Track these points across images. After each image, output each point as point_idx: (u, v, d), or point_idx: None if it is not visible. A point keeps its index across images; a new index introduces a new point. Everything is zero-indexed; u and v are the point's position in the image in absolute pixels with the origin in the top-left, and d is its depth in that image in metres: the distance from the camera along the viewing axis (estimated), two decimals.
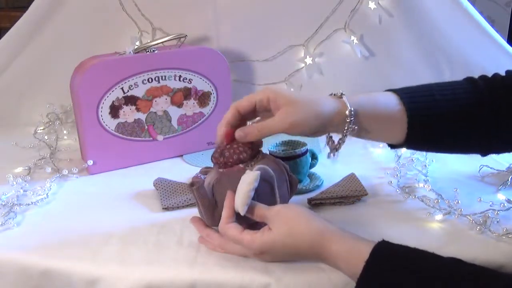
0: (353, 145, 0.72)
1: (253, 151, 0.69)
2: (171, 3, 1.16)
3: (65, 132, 1.14)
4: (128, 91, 0.92)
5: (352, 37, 1.15)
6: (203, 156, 1.00)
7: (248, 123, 0.71)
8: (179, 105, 0.98)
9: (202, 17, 1.16)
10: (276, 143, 0.86)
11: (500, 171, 0.88)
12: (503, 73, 0.73)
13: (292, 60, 1.18)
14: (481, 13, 1.15)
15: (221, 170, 0.67)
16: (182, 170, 0.93)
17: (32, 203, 0.80)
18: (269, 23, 1.17)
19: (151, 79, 0.94)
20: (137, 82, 0.93)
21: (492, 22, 1.34)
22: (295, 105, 0.65)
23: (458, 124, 0.69)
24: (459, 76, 0.75)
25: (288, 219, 0.62)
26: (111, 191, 0.86)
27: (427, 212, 0.75)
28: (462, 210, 0.73)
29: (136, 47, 0.95)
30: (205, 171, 0.72)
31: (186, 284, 0.61)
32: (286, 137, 0.80)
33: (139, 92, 0.93)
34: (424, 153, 0.93)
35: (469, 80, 0.73)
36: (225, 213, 0.64)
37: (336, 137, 0.71)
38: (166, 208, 0.78)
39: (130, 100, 0.93)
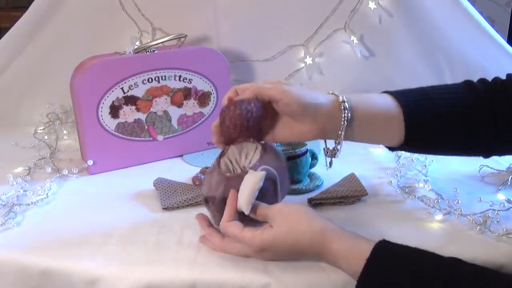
0: (353, 145, 0.71)
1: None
2: (171, 3, 1.16)
3: (65, 132, 1.14)
4: (128, 91, 0.92)
5: (352, 37, 1.15)
6: (203, 156, 1.00)
7: None
8: (179, 105, 0.98)
9: (202, 17, 1.16)
10: (276, 143, 0.86)
11: (500, 171, 0.88)
12: (503, 75, 0.73)
13: (292, 60, 1.18)
14: (481, 13, 1.15)
15: (228, 174, 0.67)
16: (182, 170, 0.93)
17: (32, 203, 0.80)
18: (269, 23, 1.17)
19: (151, 79, 0.94)
20: (137, 82, 0.93)
21: (492, 22, 1.34)
22: (303, 122, 0.67)
23: (457, 125, 0.69)
24: (459, 76, 0.75)
25: (289, 217, 0.62)
26: (111, 191, 0.86)
27: (427, 212, 0.75)
28: (462, 210, 0.73)
29: (136, 47, 0.95)
30: (205, 171, 0.72)
31: (186, 284, 0.61)
32: None
33: (139, 92, 0.93)
34: None
35: (466, 82, 0.73)
36: (227, 211, 0.64)
37: (331, 145, 0.71)
38: (166, 208, 0.78)
39: (130, 100, 0.93)
